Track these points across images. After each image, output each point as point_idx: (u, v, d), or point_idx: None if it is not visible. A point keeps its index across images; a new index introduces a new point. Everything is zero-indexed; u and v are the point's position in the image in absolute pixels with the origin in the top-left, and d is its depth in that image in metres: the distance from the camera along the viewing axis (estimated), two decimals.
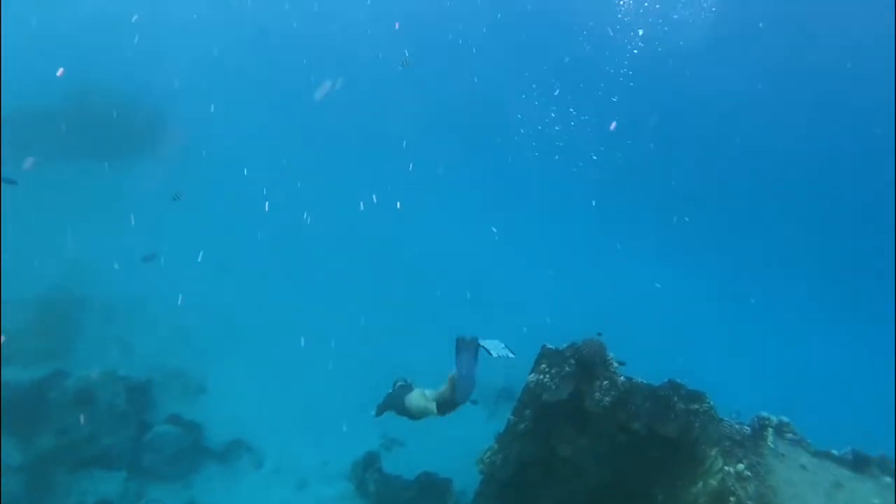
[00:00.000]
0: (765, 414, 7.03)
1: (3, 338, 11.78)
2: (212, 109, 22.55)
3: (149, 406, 11.36)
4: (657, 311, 22.73)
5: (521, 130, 23.80)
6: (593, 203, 25.23)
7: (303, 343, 13.54)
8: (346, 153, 25.23)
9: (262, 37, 27.47)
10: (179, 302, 14.88)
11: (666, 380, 6.98)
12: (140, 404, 11.01)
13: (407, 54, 19.58)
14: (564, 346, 7.12)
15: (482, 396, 15.82)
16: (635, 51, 21.36)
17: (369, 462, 11.36)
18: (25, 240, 16.55)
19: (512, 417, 7.26)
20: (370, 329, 15.30)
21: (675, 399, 6.93)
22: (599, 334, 6.91)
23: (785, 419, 7.03)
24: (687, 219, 26.47)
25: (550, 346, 7.12)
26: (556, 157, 23.29)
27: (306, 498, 11.39)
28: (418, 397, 6.26)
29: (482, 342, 5.97)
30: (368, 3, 28.07)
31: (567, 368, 7.03)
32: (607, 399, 6.89)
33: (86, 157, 20.55)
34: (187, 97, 22.94)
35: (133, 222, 18.25)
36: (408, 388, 6.47)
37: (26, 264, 15.73)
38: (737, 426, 6.72)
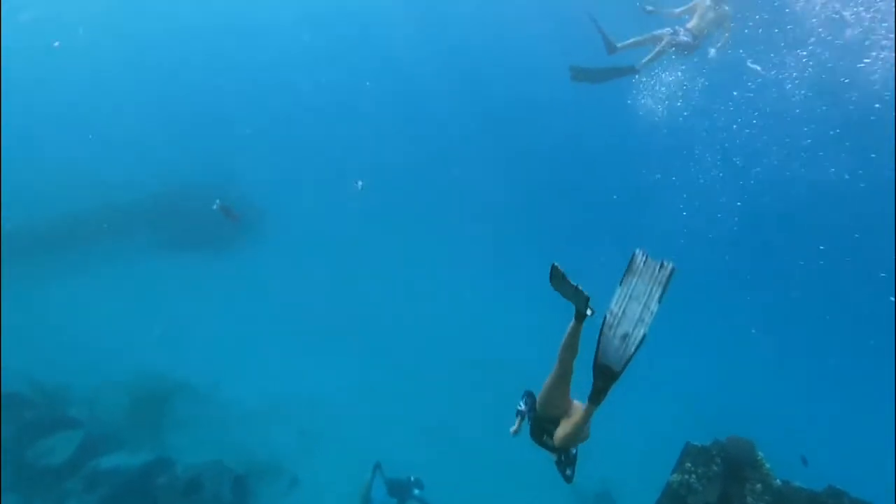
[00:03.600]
0: None
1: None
2: (300, 198, 23.78)
3: (249, 497, 11.30)
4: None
5: None
6: None
7: (397, 434, 13.34)
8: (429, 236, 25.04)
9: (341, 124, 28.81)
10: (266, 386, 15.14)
11: (826, 484, 6.49)
12: (241, 495, 10.99)
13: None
14: (709, 442, 6.77)
15: (578, 497, 14.96)
16: None
17: None
18: (120, 326, 17.51)
19: None
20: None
21: None
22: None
23: None
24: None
25: (695, 443, 6.78)
26: None
27: None
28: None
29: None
30: None
31: (714, 468, 6.65)
32: None
33: (178, 248, 21.96)
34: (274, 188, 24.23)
35: (222, 309, 19.10)
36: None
37: (121, 349, 16.55)
38: None
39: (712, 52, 10.41)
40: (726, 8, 10.12)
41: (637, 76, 10.71)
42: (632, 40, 10.46)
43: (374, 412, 14.69)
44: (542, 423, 4.06)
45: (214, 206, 10.37)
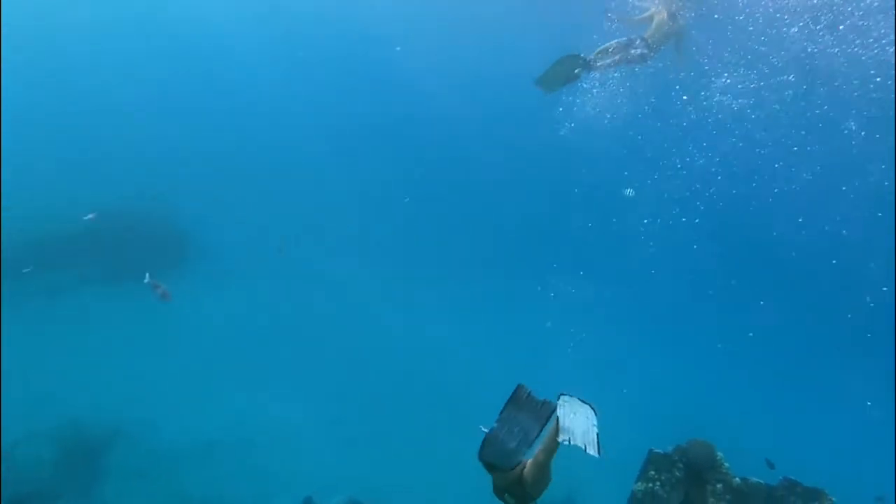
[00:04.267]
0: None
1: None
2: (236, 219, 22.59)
3: None
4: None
5: None
6: None
7: None
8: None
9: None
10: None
11: (781, 477, 6.70)
12: None
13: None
14: (671, 448, 6.85)
15: None
16: None
17: None
18: (46, 370, 16.23)
19: None
20: None
21: (793, 499, 6.61)
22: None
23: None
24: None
25: (658, 451, 6.84)
26: None
27: None
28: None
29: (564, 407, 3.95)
30: None
31: (677, 473, 6.73)
32: None
33: (106, 282, 20.58)
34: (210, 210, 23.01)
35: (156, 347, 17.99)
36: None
37: (47, 396, 15.31)
38: None
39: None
40: (682, 23, 10.33)
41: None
42: (601, 50, 10.55)
43: (322, 445, 14.20)
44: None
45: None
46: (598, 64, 10.42)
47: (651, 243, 21.09)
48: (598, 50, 10.47)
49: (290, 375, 16.39)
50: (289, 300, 20.43)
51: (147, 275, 10.61)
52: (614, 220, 21.35)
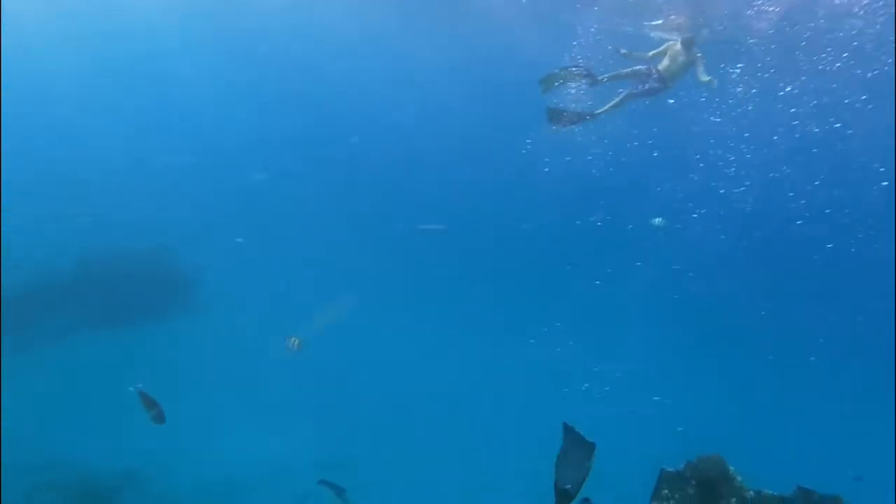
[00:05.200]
0: None
1: None
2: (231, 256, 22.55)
3: None
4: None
5: None
6: None
7: None
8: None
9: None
10: None
11: (795, 486, 6.68)
12: None
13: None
14: (682, 465, 6.83)
15: None
16: None
17: None
18: (47, 417, 16.16)
19: None
20: None
21: None
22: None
23: None
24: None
25: (669, 469, 6.83)
26: None
27: None
28: None
29: None
30: None
31: (690, 490, 6.71)
32: None
33: (106, 324, 20.52)
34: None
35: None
36: None
37: (51, 443, 15.24)
38: None
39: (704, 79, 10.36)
40: (698, 53, 10.39)
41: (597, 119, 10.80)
42: (614, 74, 10.65)
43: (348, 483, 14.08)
44: None
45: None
46: (602, 78, 10.48)
47: (645, 261, 21.25)
48: (610, 74, 10.58)
49: (292, 415, 16.32)
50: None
51: (139, 386, 9.79)
52: (626, 225, 21.50)
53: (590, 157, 16.44)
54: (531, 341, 19.47)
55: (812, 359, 22.45)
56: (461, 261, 25.36)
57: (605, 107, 10.63)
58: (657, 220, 17.68)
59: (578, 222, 21.50)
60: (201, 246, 22.08)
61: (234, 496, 14.16)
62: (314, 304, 20.97)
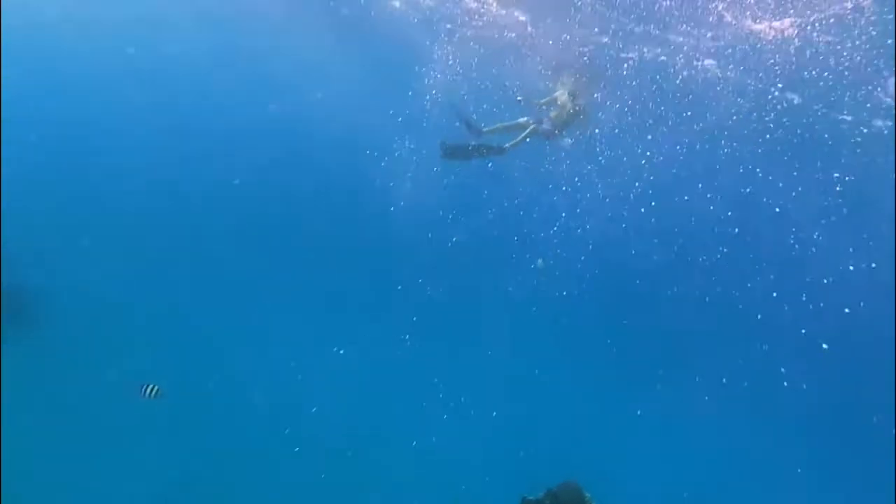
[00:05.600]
0: None
1: None
2: None
3: None
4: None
5: None
6: None
7: None
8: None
9: None
10: None
11: None
12: None
13: None
14: (541, 493, 7.00)
15: None
16: None
17: None
18: None
19: None
20: None
21: None
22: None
23: None
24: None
25: (530, 497, 6.96)
26: None
27: None
28: None
29: None
30: None
31: None
32: None
33: None
34: None
35: None
36: None
37: None
38: None
39: (569, 141, 11.59)
40: (582, 103, 11.35)
41: (502, 156, 11.41)
42: (499, 125, 11.23)
43: None
44: None
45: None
46: (486, 130, 11.09)
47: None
48: (510, 123, 11.20)
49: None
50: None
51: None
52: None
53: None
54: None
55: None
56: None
57: (509, 144, 11.22)
58: (539, 262, 18.78)
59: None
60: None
61: None
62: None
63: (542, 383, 22.55)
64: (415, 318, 20.69)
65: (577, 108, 11.63)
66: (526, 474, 7.96)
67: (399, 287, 22.20)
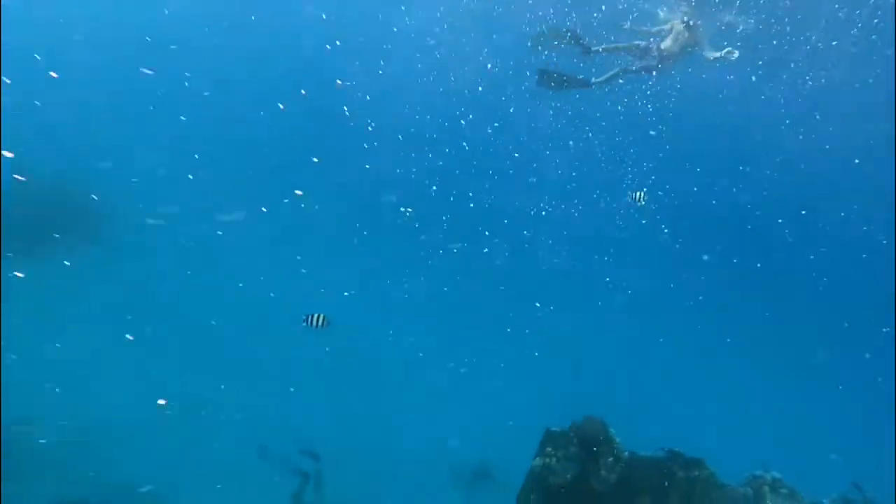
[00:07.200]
0: (759, 472, 7.31)
1: None
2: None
3: None
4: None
5: None
6: None
7: None
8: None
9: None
10: None
11: (666, 448, 7.17)
12: None
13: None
14: (567, 426, 7.15)
15: (456, 476, 15.31)
16: None
17: None
18: None
19: None
20: None
21: (675, 468, 7.10)
22: None
23: (777, 475, 7.33)
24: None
25: (555, 429, 7.12)
26: None
27: None
28: None
29: None
30: None
31: (572, 449, 7.04)
32: (613, 476, 6.94)
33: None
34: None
35: None
36: None
37: None
38: (740, 490, 6.93)
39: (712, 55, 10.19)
40: (700, 28, 10.26)
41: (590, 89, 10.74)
42: (611, 45, 10.57)
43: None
44: None
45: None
46: (596, 49, 10.45)
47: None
48: (606, 45, 10.52)
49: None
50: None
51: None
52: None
53: None
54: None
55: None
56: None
57: (601, 77, 10.57)
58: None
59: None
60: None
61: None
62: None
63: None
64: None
65: (693, 34, 10.48)
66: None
67: None
